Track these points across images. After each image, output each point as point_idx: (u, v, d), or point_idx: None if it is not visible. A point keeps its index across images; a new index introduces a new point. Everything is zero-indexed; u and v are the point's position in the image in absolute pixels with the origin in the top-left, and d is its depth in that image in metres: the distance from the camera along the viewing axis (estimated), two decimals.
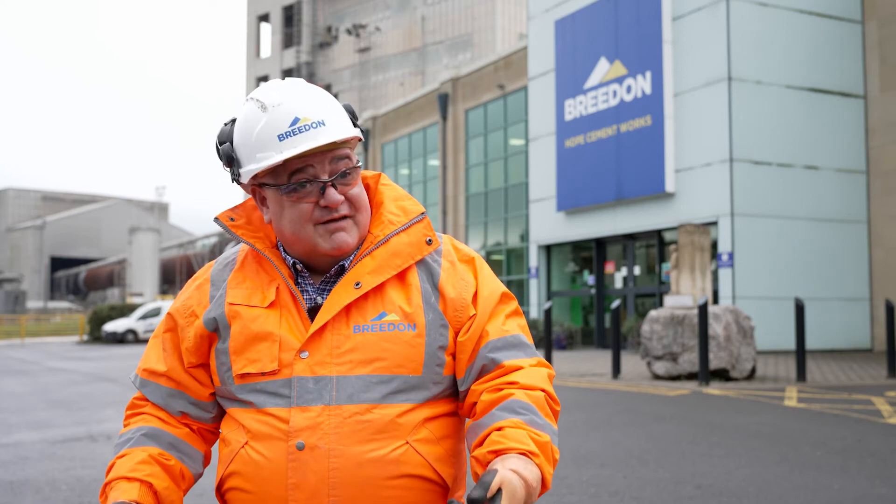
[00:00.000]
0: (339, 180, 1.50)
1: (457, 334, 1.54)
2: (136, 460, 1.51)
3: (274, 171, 1.49)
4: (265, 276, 1.56)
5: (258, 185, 1.54)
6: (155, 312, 33.46)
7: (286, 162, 1.47)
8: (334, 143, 1.48)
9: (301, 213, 1.49)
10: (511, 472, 1.31)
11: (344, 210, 1.50)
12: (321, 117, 1.48)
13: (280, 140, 1.46)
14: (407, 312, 1.50)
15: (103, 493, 1.50)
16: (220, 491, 1.54)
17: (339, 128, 1.50)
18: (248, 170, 1.51)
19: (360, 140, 1.58)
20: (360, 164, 1.55)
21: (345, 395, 1.44)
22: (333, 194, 1.48)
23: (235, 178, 1.56)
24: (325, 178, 1.48)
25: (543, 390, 1.49)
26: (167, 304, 34.30)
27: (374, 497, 1.43)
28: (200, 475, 1.61)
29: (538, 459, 1.36)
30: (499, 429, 1.40)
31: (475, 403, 1.50)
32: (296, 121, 1.46)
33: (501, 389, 1.47)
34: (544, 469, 1.37)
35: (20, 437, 8.45)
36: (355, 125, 1.57)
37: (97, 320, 34.87)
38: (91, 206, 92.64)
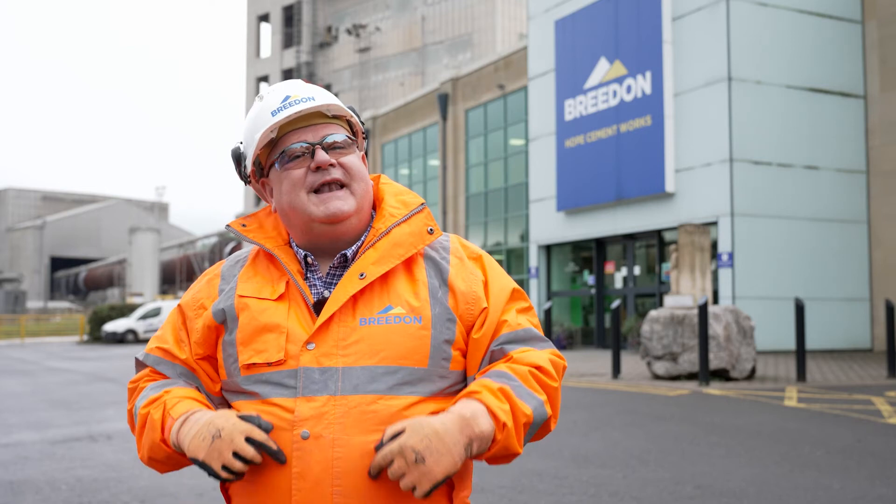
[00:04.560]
0: (331, 147, 1.56)
1: (468, 330, 1.56)
2: (191, 393, 1.56)
3: (273, 150, 1.58)
4: (276, 272, 1.60)
5: (265, 177, 1.62)
6: (155, 312, 33.44)
7: (281, 138, 1.56)
8: (324, 116, 1.58)
9: (294, 180, 1.55)
10: (438, 415, 1.41)
11: (336, 174, 1.56)
12: (311, 94, 1.58)
13: (273, 115, 1.55)
14: (413, 306, 1.52)
15: (159, 405, 1.52)
16: (225, 485, 1.55)
17: (328, 101, 1.58)
18: (250, 154, 1.60)
19: (363, 133, 1.66)
20: (355, 141, 1.62)
21: (350, 386, 1.46)
22: (322, 154, 1.54)
23: (245, 175, 1.64)
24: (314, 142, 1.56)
25: (535, 366, 1.52)
26: (167, 304, 34.27)
27: (377, 488, 1.43)
28: None
29: (479, 395, 1.44)
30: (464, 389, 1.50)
31: None
32: (287, 98, 1.56)
33: (491, 368, 1.54)
34: (488, 402, 1.43)
35: (20, 437, 8.45)
36: (358, 120, 1.65)
37: (97, 320, 34.84)
38: (91, 206, 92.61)
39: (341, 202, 1.54)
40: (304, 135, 1.55)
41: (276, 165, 1.56)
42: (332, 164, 1.54)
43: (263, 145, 1.58)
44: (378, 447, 1.38)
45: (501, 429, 1.42)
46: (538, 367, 1.52)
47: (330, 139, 1.56)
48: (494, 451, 1.43)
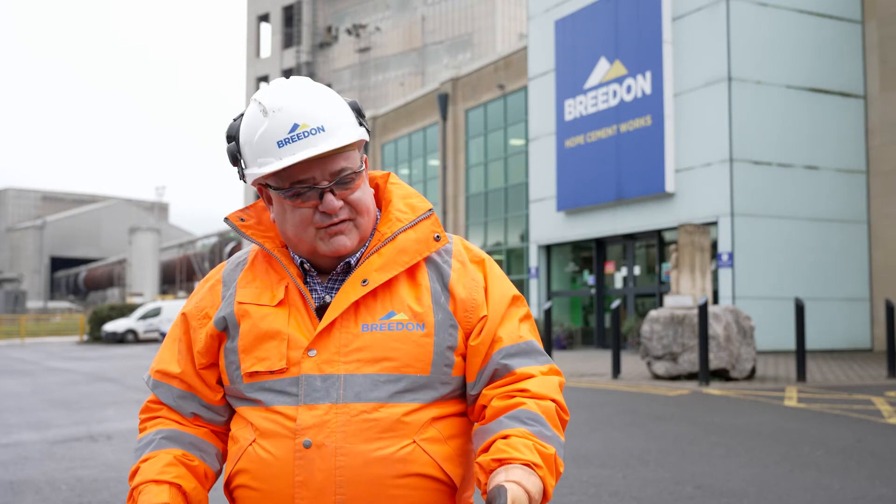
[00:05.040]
0: (339, 186, 1.50)
1: (467, 336, 1.54)
2: (163, 463, 1.52)
3: (276, 174, 1.50)
4: (275, 276, 1.57)
5: (264, 185, 1.55)
6: (155, 312, 33.43)
7: (286, 168, 1.48)
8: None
9: (301, 217, 1.50)
10: (515, 486, 1.32)
11: (343, 215, 1.51)
12: (321, 122, 1.47)
13: (279, 147, 1.46)
14: (416, 312, 1.50)
15: (131, 498, 1.51)
16: (229, 488, 1.55)
17: (339, 132, 1.49)
18: (251, 173, 1.52)
19: (365, 141, 1.58)
20: (362, 168, 1.54)
21: (352, 394, 1.45)
22: (331, 201, 1.49)
23: (241, 176, 1.58)
24: (324, 184, 1.49)
25: (554, 400, 1.50)
26: (167, 304, 34.27)
27: (380, 496, 1.43)
28: (220, 472, 1.62)
29: (541, 471, 1.37)
30: (505, 437, 1.41)
31: (484, 407, 1.51)
32: (294, 127, 1.46)
33: (512, 397, 1.48)
34: (546, 481, 1.38)
35: (20, 437, 8.45)
36: (361, 123, 1.56)
37: (97, 320, 34.84)
38: (91, 206, 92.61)
39: (346, 238, 1.51)
40: (310, 170, 1.47)
41: (281, 193, 1.51)
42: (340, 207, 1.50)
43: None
44: None
45: (547, 499, 1.41)
46: (558, 403, 1.50)
47: (339, 178, 1.49)
48: None
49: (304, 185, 1.48)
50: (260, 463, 1.46)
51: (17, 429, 9.09)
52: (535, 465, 1.37)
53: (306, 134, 1.46)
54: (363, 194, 1.54)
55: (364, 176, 1.56)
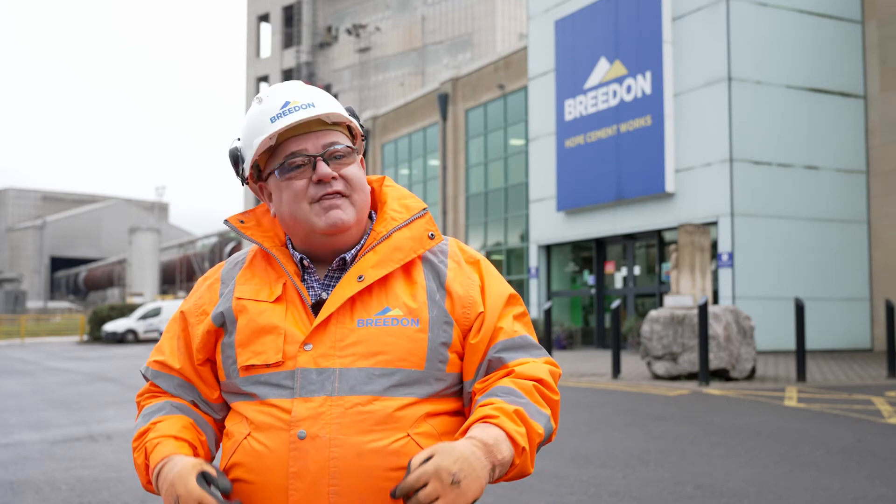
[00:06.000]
0: (332, 158, 1.56)
1: (464, 334, 1.56)
2: (181, 424, 1.56)
3: (272, 157, 1.57)
4: (273, 274, 1.60)
5: (264, 181, 1.61)
6: (155, 312, 33.42)
7: (280, 144, 1.55)
8: (324, 123, 1.56)
9: (296, 191, 1.55)
10: (465, 440, 1.38)
11: (338, 186, 1.56)
12: (311, 101, 1.56)
13: (272, 122, 1.54)
14: (411, 308, 1.52)
15: (141, 448, 1.54)
16: None
17: (329, 107, 1.57)
18: (248, 157, 1.59)
19: (361, 136, 1.66)
20: (355, 147, 1.61)
21: (347, 387, 1.47)
22: (324, 167, 1.54)
23: (243, 177, 1.64)
24: (315, 153, 1.55)
25: (537, 379, 1.52)
26: (167, 304, 34.26)
27: (373, 487, 1.44)
28: (214, 458, 1.65)
29: (497, 420, 1.42)
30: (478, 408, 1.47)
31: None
32: (286, 104, 1.55)
33: (495, 382, 1.53)
34: (507, 428, 1.42)
35: (20, 437, 8.45)
36: (358, 124, 1.64)
37: (97, 320, 34.82)
38: (91, 206, 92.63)
39: (342, 213, 1.55)
40: (303, 143, 1.55)
41: (276, 174, 1.56)
42: (333, 177, 1.55)
43: (263, 151, 1.59)
44: (407, 473, 1.35)
45: (520, 453, 1.43)
46: (541, 381, 1.52)
47: (331, 149, 1.55)
48: (512, 475, 1.46)
49: (296, 156, 1.54)
50: (254, 455, 1.47)
51: (17, 429, 9.09)
52: (489, 416, 1.42)
53: (297, 108, 1.54)
54: (357, 171, 1.59)
55: (358, 159, 1.61)
